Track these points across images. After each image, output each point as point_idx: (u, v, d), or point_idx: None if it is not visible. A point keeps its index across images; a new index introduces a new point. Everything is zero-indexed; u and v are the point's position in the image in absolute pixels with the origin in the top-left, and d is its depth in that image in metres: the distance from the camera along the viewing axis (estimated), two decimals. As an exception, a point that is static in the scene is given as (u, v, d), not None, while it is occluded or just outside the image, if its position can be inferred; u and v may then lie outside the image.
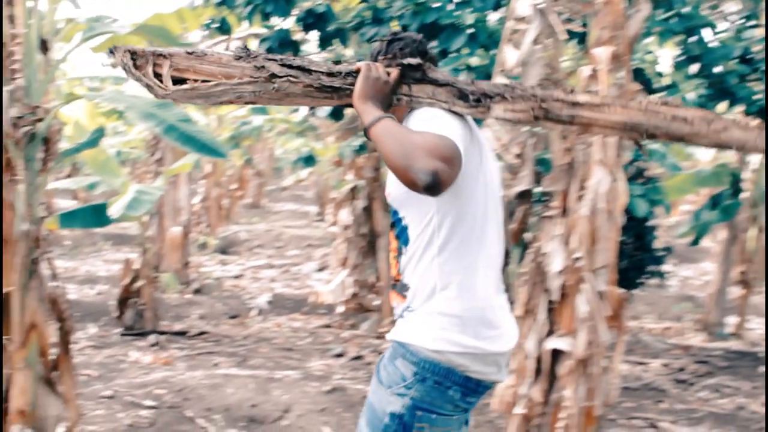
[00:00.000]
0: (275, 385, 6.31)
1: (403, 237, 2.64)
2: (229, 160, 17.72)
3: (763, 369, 7.84)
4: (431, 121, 2.45)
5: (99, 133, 5.39)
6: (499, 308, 2.66)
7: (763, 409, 6.57)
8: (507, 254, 3.09)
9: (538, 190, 5.20)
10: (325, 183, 20.12)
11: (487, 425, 5.87)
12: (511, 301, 5.04)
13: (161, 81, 2.49)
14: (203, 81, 2.50)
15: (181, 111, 4.57)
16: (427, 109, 2.53)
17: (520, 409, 4.88)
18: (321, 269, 12.94)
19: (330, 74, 2.53)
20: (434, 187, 2.28)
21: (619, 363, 5.11)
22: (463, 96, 2.51)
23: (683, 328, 9.62)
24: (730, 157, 9.08)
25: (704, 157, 13.29)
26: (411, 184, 2.31)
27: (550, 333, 4.90)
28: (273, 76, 2.49)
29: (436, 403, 2.57)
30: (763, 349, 8.80)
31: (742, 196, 8.83)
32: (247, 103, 2.55)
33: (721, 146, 2.52)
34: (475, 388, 2.61)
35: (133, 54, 2.48)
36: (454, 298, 2.57)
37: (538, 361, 4.85)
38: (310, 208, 21.86)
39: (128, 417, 5.50)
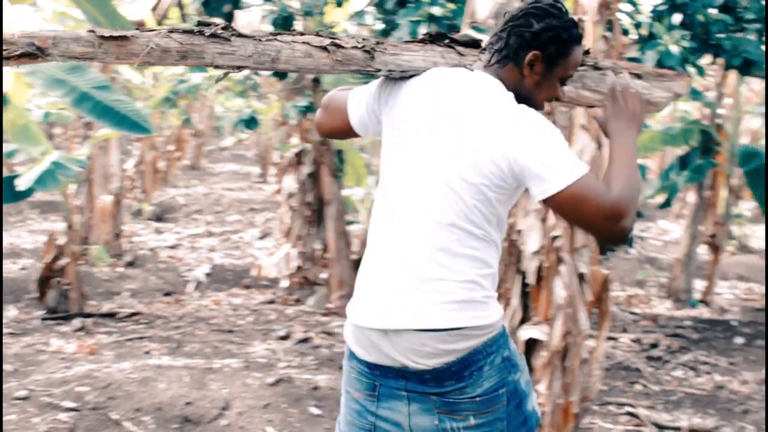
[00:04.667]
0: (213, 377, 5.67)
1: None
2: (157, 130, 16.87)
3: (738, 341, 7.40)
4: None
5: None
6: (371, 281, 2.47)
7: (743, 389, 6.12)
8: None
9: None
10: (267, 143, 19.37)
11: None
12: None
13: None
14: None
15: (99, 76, 3.85)
16: None
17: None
18: (263, 236, 12.26)
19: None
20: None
21: (602, 353, 4.57)
22: None
23: (648, 295, 9.15)
24: (698, 113, 8.56)
25: (663, 112, 12.80)
26: None
27: (524, 320, 4.35)
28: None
29: None
30: (735, 317, 8.38)
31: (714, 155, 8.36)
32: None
33: None
34: (349, 354, 2.56)
35: None
36: None
37: (511, 352, 4.28)
38: (252, 169, 21.08)
39: (44, 422, 4.82)
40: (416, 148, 2.40)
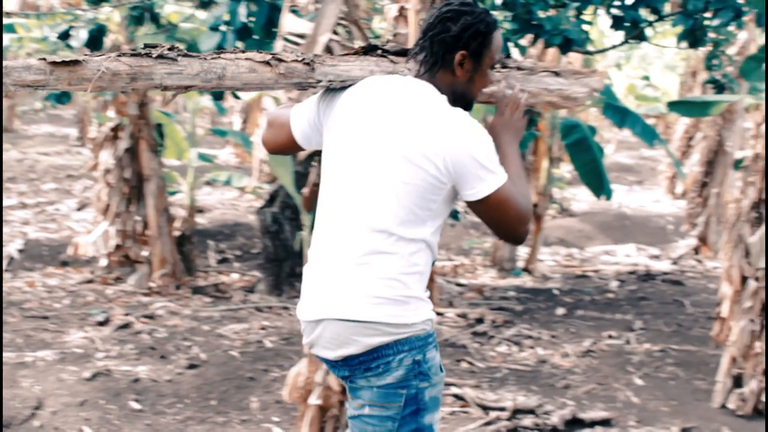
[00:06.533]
0: (25, 373, 5.36)
1: None
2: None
3: (559, 312, 7.58)
4: None
5: None
6: (310, 276, 2.60)
7: (564, 362, 6.26)
8: None
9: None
10: (86, 104, 18.58)
11: (277, 407, 5.19)
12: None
13: None
14: None
15: None
16: None
17: (315, 399, 4.26)
18: (81, 207, 11.73)
19: None
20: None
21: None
22: None
23: (474, 264, 9.27)
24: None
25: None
26: None
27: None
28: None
29: None
30: (555, 285, 8.60)
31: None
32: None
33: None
34: None
35: None
36: None
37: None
38: (70, 131, 20.19)
39: None
40: (352, 154, 2.50)
